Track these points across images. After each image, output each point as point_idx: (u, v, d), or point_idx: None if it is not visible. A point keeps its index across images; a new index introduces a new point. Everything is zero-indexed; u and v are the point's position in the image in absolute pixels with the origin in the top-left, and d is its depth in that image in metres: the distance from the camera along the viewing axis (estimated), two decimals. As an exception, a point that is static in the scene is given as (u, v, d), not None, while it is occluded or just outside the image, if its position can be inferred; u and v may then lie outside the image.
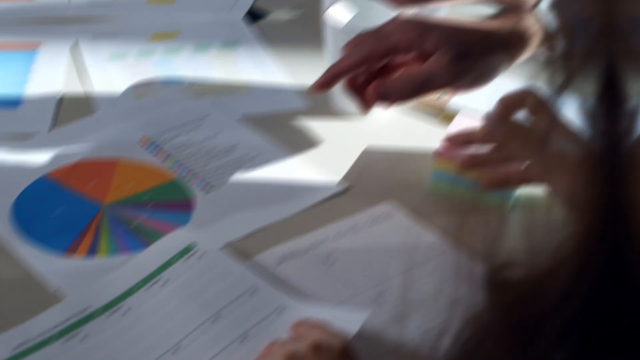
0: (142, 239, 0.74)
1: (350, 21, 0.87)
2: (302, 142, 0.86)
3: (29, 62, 0.99)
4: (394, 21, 0.73)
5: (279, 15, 1.11)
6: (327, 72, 0.75)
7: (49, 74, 0.97)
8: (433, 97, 0.86)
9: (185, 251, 0.71)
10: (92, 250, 0.72)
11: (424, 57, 0.72)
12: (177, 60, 1.02)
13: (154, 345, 0.63)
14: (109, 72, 0.98)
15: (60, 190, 0.79)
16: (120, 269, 0.69)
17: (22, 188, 0.79)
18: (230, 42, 1.05)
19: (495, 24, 0.75)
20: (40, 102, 0.92)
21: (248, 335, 0.63)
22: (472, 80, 0.74)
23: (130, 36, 1.06)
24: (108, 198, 0.78)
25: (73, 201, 0.78)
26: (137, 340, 0.63)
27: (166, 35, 1.07)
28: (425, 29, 0.72)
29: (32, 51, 1.01)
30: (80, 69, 0.98)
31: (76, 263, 0.71)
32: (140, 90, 0.95)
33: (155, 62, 1.01)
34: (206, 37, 1.06)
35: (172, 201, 0.79)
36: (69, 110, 0.90)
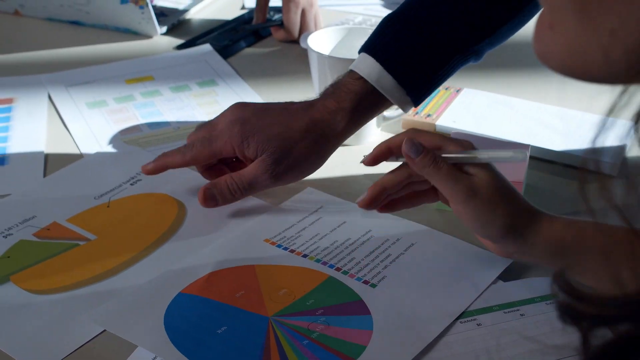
0: (331, 350, 0.60)
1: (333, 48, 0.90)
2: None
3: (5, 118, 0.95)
4: (224, 118, 0.75)
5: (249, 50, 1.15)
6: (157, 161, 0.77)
7: (30, 127, 0.93)
8: (422, 117, 0.90)
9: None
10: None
11: (247, 160, 0.75)
12: (158, 101, 0.99)
13: None
14: (91, 119, 0.95)
15: (211, 303, 0.64)
16: None
17: (165, 306, 0.63)
18: (207, 81, 1.05)
19: (316, 114, 0.75)
20: (26, 157, 0.87)
21: None
22: (298, 173, 0.76)
23: (106, 82, 1.04)
24: (269, 310, 0.64)
25: (234, 315, 0.63)
26: None
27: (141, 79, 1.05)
28: (247, 135, 0.73)
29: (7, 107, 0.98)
30: (57, 119, 0.95)
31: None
32: (129, 136, 0.91)
33: (137, 105, 0.98)
34: (182, 79, 1.05)
35: (342, 303, 0.65)
36: (58, 163, 0.86)
